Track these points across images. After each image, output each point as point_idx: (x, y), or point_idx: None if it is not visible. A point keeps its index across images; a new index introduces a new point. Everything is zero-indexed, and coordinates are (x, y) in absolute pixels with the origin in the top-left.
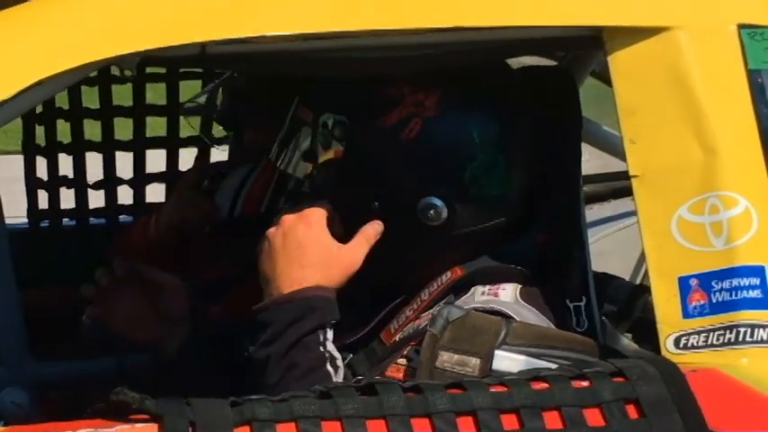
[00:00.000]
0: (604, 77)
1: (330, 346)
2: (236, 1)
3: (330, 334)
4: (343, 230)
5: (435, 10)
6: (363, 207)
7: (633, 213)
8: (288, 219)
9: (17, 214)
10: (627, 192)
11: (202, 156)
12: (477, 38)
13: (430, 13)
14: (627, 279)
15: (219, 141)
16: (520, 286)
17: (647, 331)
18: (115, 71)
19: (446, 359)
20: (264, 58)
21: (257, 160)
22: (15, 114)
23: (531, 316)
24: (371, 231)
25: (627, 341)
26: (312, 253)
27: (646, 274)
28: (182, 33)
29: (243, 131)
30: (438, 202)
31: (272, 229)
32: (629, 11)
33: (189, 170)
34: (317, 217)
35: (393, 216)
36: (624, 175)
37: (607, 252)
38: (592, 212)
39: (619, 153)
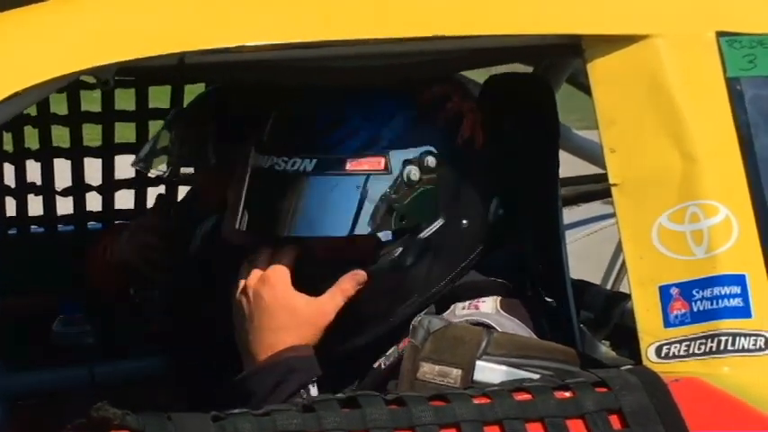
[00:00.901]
0: (580, 84)
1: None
2: (214, 11)
3: (314, 391)
4: (314, 274)
5: (415, 19)
6: (455, 228)
7: (602, 218)
8: (250, 284)
9: None
10: (595, 196)
11: (168, 192)
12: (456, 46)
13: (409, 22)
14: (598, 283)
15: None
16: (500, 298)
17: (624, 338)
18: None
19: (427, 370)
20: (242, 68)
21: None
22: None
23: (512, 326)
24: (349, 284)
25: (605, 349)
26: (280, 316)
27: (618, 279)
28: (160, 43)
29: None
30: (500, 209)
31: (237, 296)
32: (607, 19)
33: (149, 211)
34: (278, 276)
35: (475, 228)
36: (592, 179)
37: (576, 256)
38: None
39: (588, 156)
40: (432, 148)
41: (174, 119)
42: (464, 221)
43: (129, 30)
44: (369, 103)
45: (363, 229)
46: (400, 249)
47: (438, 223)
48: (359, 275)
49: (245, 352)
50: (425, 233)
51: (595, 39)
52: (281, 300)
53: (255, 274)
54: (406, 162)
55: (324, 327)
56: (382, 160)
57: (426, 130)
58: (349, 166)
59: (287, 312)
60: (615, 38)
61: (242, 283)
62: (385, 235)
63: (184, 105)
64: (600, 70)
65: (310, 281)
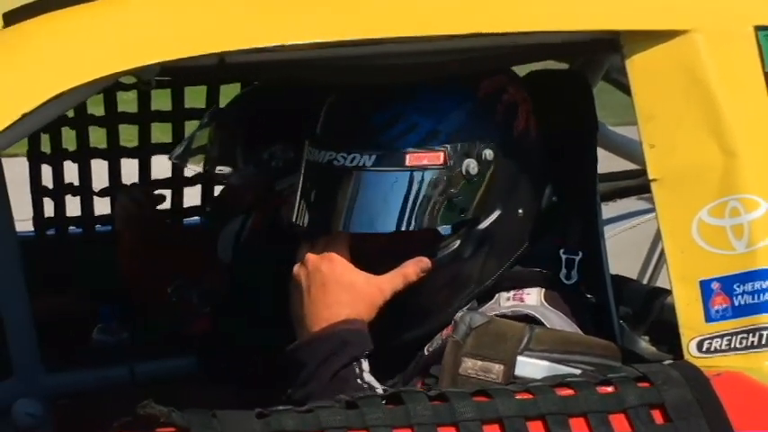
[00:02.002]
0: (614, 80)
1: (368, 377)
2: (254, 10)
3: (365, 365)
4: (373, 266)
5: (454, 17)
6: (513, 219)
7: (638, 213)
8: (310, 258)
9: (19, 218)
10: (631, 191)
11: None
12: (494, 44)
13: (449, 19)
14: (635, 278)
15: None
16: (543, 290)
17: (663, 333)
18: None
19: (470, 366)
20: (282, 67)
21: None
22: (36, 126)
23: (557, 319)
24: (412, 269)
25: (645, 344)
26: (337, 291)
27: (654, 274)
28: (200, 44)
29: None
30: (553, 197)
31: (296, 269)
32: (645, 14)
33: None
34: (338, 252)
35: (530, 216)
36: (628, 175)
37: (613, 252)
38: None
39: (624, 152)
40: (489, 141)
41: (210, 119)
42: (520, 211)
43: (170, 30)
44: (426, 97)
45: (422, 223)
46: (458, 242)
47: (495, 214)
48: (423, 262)
49: (299, 325)
50: (484, 224)
51: (634, 34)
52: (339, 275)
53: (316, 249)
54: (465, 156)
55: (379, 306)
56: (441, 155)
57: (483, 122)
58: (408, 160)
59: (344, 288)
60: (653, 33)
61: (302, 256)
62: (444, 229)
63: (220, 105)
64: (638, 66)
65: (368, 271)
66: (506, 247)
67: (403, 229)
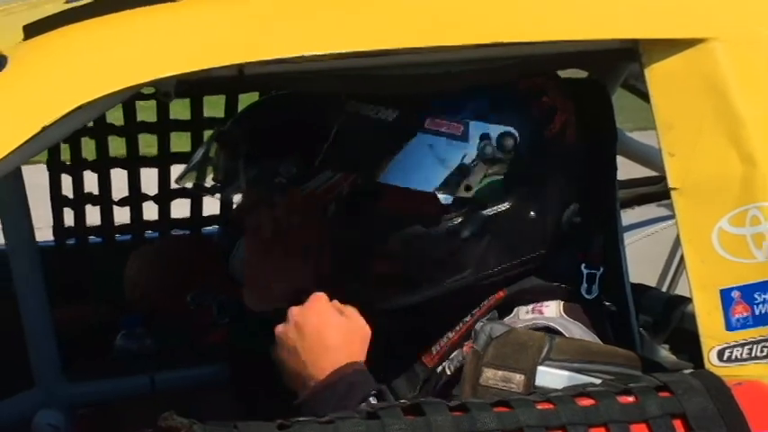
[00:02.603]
0: (633, 88)
1: None
2: (273, 22)
3: (375, 402)
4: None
5: (473, 26)
6: (522, 217)
7: (657, 220)
8: (295, 312)
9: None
10: (650, 198)
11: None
12: (514, 53)
13: (468, 29)
14: (653, 286)
15: (213, 191)
16: (562, 302)
17: (683, 342)
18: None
19: (490, 376)
20: (301, 78)
21: None
22: (57, 139)
23: (577, 330)
24: None
25: (665, 353)
26: (332, 336)
27: (674, 282)
28: (219, 55)
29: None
30: (577, 217)
31: (281, 328)
32: (664, 23)
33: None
34: (323, 301)
35: (544, 224)
36: (647, 182)
37: (632, 259)
38: None
39: (642, 159)
40: (514, 132)
41: (212, 139)
42: (532, 213)
43: (190, 41)
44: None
45: (426, 185)
46: (459, 219)
47: (504, 206)
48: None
49: (297, 379)
50: (488, 211)
51: (653, 43)
52: (329, 320)
53: (296, 308)
54: (484, 136)
55: (368, 341)
56: (461, 127)
57: (514, 113)
58: (428, 123)
59: (338, 332)
60: (672, 42)
61: (288, 319)
62: (445, 198)
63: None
64: (658, 74)
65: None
66: (511, 244)
67: (408, 186)
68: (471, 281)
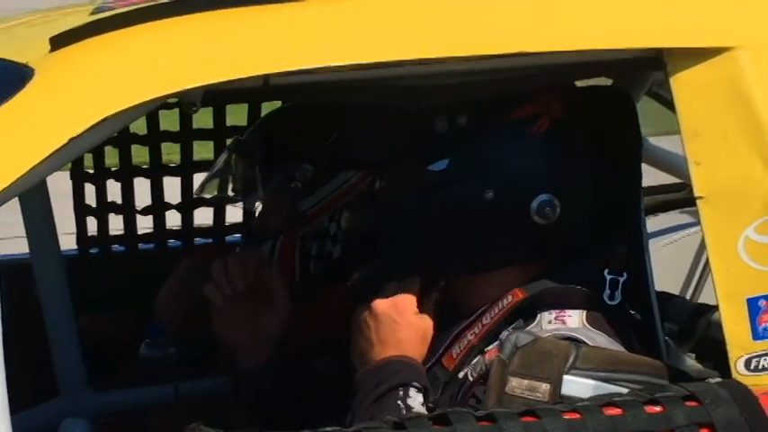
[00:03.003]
0: (658, 96)
1: (414, 404)
2: (298, 32)
3: (414, 392)
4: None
5: (497, 36)
6: (477, 198)
7: (681, 227)
8: (380, 305)
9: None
10: (674, 205)
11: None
12: (539, 62)
13: (492, 39)
14: (677, 293)
15: (234, 200)
16: (585, 312)
17: (709, 350)
18: None
19: (516, 385)
20: (326, 88)
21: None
22: (83, 150)
23: (601, 340)
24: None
25: (691, 361)
26: (405, 338)
27: (698, 289)
28: (245, 66)
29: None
30: (556, 202)
31: (363, 315)
32: (689, 32)
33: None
34: (407, 302)
35: (503, 208)
36: (670, 188)
37: (655, 266)
38: None
39: (665, 166)
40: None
41: (230, 149)
42: (489, 193)
43: (215, 52)
44: None
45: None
46: (418, 195)
47: (466, 184)
48: None
49: (363, 361)
50: (443, 189)
51: (677, 52)
52: (407, 322)
53: (385, 294)
54: (439, 113)
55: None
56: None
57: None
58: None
59: (411, 334)
60: (697, 51)
61: (370, 304)
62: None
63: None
64: (683, 83)
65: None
66: (465, 229)
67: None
68: (438, 262)
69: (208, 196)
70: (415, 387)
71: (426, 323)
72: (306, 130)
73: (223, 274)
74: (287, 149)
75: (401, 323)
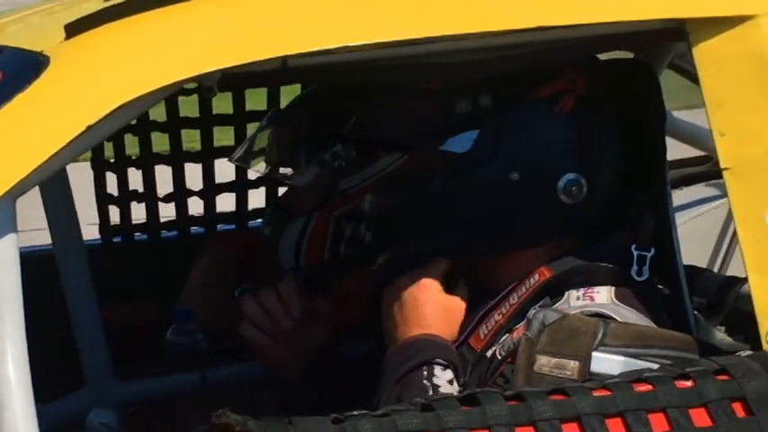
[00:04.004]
0: (679, 68)
1: (440, 382)
2: (315, 13)
3: (439, 371)
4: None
5: (516, 11)
6: (503, 180)
7: (706, 200)
8: (401, 283)
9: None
10: (699, 178)
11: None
12: (558, 36)
13: (510, 14)
14: (705, 267)
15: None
16: (613, 288)
17: (739, 323)
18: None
19: (544, 363)
20: (346, 68)
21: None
22: (101, 138)
23: (630, 315)
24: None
25: (721, 335)
26: (429, 314)
27: (725, 262)
28: (263, 48)
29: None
30: (582, 180)
31: (388, 296)
32: (711, 1)
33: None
34: (430, 280)
35: (530, 188)
36: (695, 162)
37: (682, 240)
38: None
39: (690, 139)
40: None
41: (270, 120)
42: (514, 174)
43: (232, 36)
44: None
45: (397, 135)
46: (442, 176)
47: (489, 166)
48: None
49: (391, 342)
50: (467, 170)
51: (700, 21)
52: (432, 299)
53: (408, 273)
54: (461, 93)
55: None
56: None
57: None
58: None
59: (437, 312)
60: (720, 20)
61: (395, 280)
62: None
63: (281, 107)
64: (706, 53)
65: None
66: (490, 210)
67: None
68: (460, 243)
69: (259, 171)
70: (440, 364)
71: (451, 300)
72: (340, 109)
73: (263, 314)
74: (333, 126)
75: (422, 300)
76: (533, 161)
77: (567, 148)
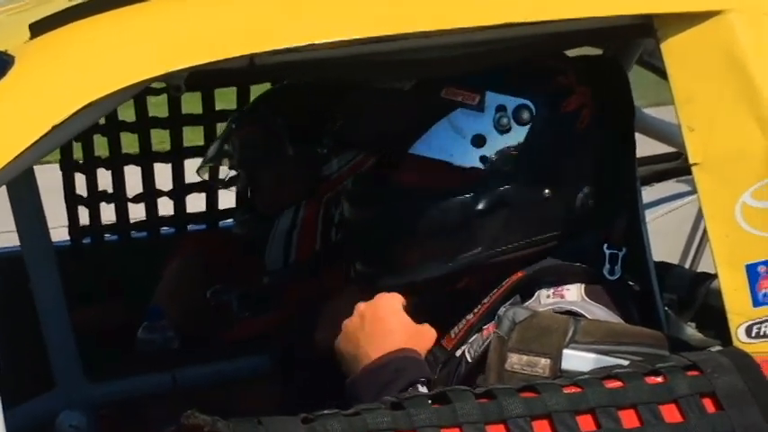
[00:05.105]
0: (648, 64)
1: None
2: (282, 11)
3: (424, 390)
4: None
5: (485, 7)
6: (536, 195)
7: (677, 196)
8: (361, 305)
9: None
10: (670, 174)
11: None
12: (527, 33)
13: (479, 10)
14: (676, 263)
15: (227, 183)
16: (584, 285)
17: (710, 319)
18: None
19: (515, 361)
20: (313, 66)
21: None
22: (67, 138)
23: (600, 313)
24: None
25: (692, 330)
26: (393, 321)
27: (696, 258)
28: (230, 46)
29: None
30: (592, 190)
31: (347, 320)
32: None
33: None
34: (390, 295)
35: (557, 204)
36: (665, 158)
37: (653, 236)
38: None
39: (660, 135)
40: (530, 105)
41: (238, 121)
42: (546, 191)
43: (198, 34)
44: None
45: (440, 154)
46: (471, 193)
47: (517, 181)
48: None
49: (354, 362)
50: (502, 186)
51: (668, 17)
52: (399, 321)
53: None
54: (500, 107)
55: (434, 336)
56: (477, 97)
57: (530, 87)
58: (444, 92)
59: (405, 332)
60: (688, 15)
61: (354, 311)
62: (460, 168)
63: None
64: (674, 49)
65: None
66: (526, 222)
67: (424, 153)
68: (483, 257)
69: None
70: (421, 383)
71: (424, 326)
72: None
73: None
74: (313, 114)
75: (385, 314)
76: (563, 177)
77: (587, 163)
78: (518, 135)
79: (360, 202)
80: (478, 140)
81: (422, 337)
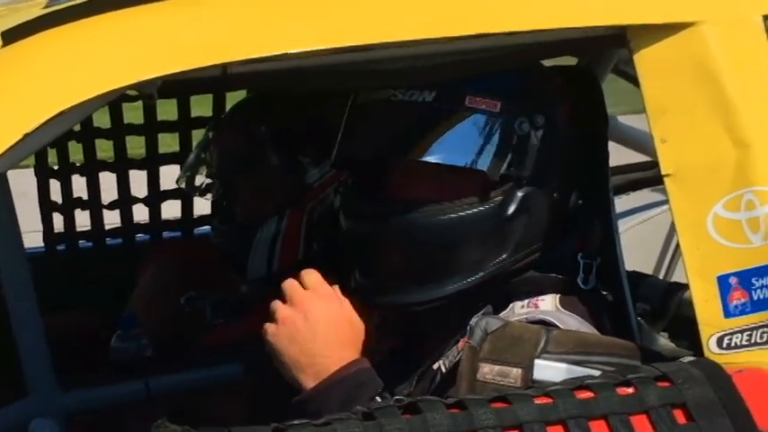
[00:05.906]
0: (624, 73)
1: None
2: (255, 20)
3: (378, 399)
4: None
5: (458, 18)
6: (548, 198)
7: (651, 206)
8: (299, 296)
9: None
10: (644, 183)
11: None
12: (501, 43)
13: (453, 21)
14: (650, 273)
15: (204, 192)
16: (558, 295)
17: (682, 329)
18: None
19: (487, 371)
20: (287, 76)
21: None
22: (39, 145)
23: (573, 323)
24: None
25: (664, 341)
26: (344, 330)
27: (670, 268)
28: (202, 55)
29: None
30: (579, 201)
31: (285, 311)
32: (652, 8)
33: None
34: (328, 289)
35: (562, 206)
36: (640, 167)
37: (627, 246)
38: None
39: (634, 144)
40: (541, 111)
41: (217, 129)
42: (555, 195)
43: (171, 43)
44: None
45: (474, 162)
46: (501, 198)
47: (534, 186)
48: None
49: (297, 373)
50: (525, 190)
51: (641, 28)
52: (348, 315)
53: (300, 292)
54: (520, 113)
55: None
56: (498, 104)
57: (540, 93)
58: (467, 101)
59: (351, 328)
60: (660, 27)
61: (293, 302)
62: (492, 175)
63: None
64: (647, 60)
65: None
66: (539, 226)
67: (454, 163)
68: (508, 264)
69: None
70: (378, 396)
71: (354, 312)
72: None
73: None
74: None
75: (342, 319)
76: (567, 180)
77: (577, 169)
78: (535, 140)
79: (369, 218)
80: (502, 146)
81: (360, 335)
